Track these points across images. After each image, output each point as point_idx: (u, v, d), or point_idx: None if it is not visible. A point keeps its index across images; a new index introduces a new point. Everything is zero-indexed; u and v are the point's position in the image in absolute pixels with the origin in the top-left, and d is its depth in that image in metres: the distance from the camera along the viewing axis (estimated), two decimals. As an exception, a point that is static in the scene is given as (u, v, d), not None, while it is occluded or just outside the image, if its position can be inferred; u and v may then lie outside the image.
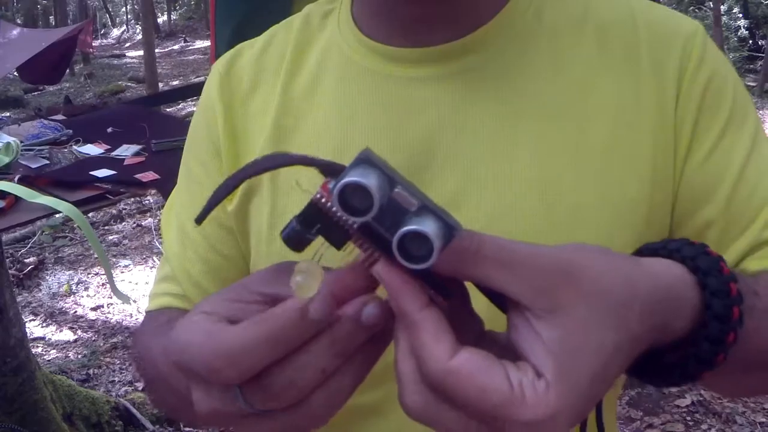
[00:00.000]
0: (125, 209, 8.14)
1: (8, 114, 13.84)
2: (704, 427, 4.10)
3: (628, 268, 0.59)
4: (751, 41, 14.99)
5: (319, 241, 0.58)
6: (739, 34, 15.31)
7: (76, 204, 2.40)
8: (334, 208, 0.54)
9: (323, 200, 0.56)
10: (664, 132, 0.91)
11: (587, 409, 0.56)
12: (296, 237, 0.57)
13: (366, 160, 0.55)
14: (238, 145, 1.00)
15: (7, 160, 2.62)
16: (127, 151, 2.88)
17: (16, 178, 2.52)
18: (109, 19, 38.86)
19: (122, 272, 6.68)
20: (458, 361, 0.52)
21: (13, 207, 2.39)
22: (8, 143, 2.67)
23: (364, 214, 0.53)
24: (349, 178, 0.53)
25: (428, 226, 0.53)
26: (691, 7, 17.06)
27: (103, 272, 6.83)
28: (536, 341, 0.54)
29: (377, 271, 0.55)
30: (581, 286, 0.55)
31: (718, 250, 0.89)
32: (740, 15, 15.83)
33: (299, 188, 0.90)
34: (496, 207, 0.88)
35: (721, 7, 14.69)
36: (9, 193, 2.39)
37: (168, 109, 5.96)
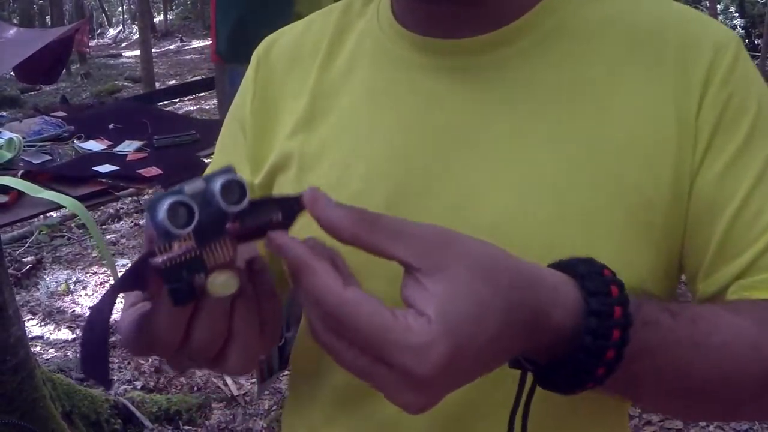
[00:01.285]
0: (123, 208, 8.14)
1: (5, 113, 13.82)
2: (702, 423, 4.10)
3: (500, 250, 0.67)
4: (747, 40, 15.02)
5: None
6: (736, 32, 15.31)
7: (79, 199, 2.39)
8: (174, 250, 0.62)
9: (162, 258, 0.62)
10: (685, 138, 0.89)
11: (471, 367, 0.64)
12: (183, 294, 0.63)
13: (151, 206, 0.63)
14: (266, 124, 1.06)
15: (9, 155, 2.62)
16: (129, 147, 2.89)
17: (19, 174, 2.52)
18: (105, 19, 38.83)
19: (120, 271, 6.67)
20: (350, 293, 0.61)
21: (17, 202, 2.39)
22: (10, 139, 2.67)
23: (190, 221, 0.61)
24: (162, 213, 0.60)
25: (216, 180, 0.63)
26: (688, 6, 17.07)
27: (101, 272, 6.84)
28: (421, 292, 0.62)
29: (272, 237, 0.65)
30: (458, 250, 0.64)
31: (708, 269, 0.91)
32: (736, 14, 15.87)
33: None
34: (512, 205, 0.88)
35: (717, 6, 14.72)
36: (12, 188, 2.39)
37: (165, 109, 5.96)
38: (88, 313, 6.09)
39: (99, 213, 7.91)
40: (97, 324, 0.65)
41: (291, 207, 0.67)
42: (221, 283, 0.63)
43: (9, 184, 2.39)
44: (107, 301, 0.65)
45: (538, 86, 0.91)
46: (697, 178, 0.90)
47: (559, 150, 0.89)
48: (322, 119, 1.01)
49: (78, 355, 5.27)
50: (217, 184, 0.62)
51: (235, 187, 0.63)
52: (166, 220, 0.60)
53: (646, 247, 0.90)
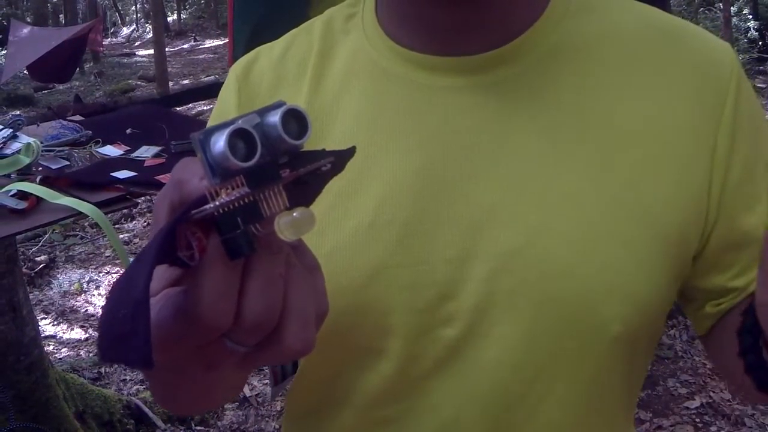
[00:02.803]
0: (138, 204, 8.16)
1: (18, 112, 13.87)
2: (713, 429, 4.10)
3: None
4: (761, 42, 14.95)
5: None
6: (749, 35, 15.27)
7: (97, 205, 2.40)
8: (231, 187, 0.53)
9: (215, 203, 0.53)
10: (701, 150, 0.90)
11: None
12: (243, 244, 0.54)
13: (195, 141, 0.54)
14: None
15: (27, 160, 2.63)
16: (147, 152, 2.88)
17: (37, 179, 2.53)
18: (118, 18, 38.89)
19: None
20: None
21: (35, 208, 2.39)
22: (28, 144, 2.67)
23: (252, 155, 0.53)
24: (221, 142, 0.52)
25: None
26: (701, 8, 17.02)
27: (114, 271, 6.85)
28: None
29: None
30: None
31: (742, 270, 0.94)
32: (750, 16, 15.81)
33: None
34: (535, 224, 0.87)
35: (731, 8, 14.66)
36: (31, 194, 2.40)
37: (177, 108, 5.95)
38: (100, 313, 6.11)
39: (112, 213, 7.92)
40: (130, 295, 0.53)
41: (341, 157, 0.60)
42: (300, 220, 0.54)
43: (28, 190, 2.39)
44: (143, 269, 0.53)
45: (548, 104, 0.90)
46: (724, 194, 0.91)
47: (578, 167, 0.88)
48: (318, 146, 0.91)
49: (90, 353, 5.29)
50: (276, 115, 0.55)
51: (294, 120, 0.56)
52: (228, 152, 0.51)
53: (668, 262, 0.90)
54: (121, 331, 0.52)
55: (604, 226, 0.87)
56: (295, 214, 0.55)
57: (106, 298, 0.56)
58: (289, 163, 0.55)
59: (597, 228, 0.87)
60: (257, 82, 1.01)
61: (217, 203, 0.52)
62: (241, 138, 0.52)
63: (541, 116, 0.89)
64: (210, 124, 1.02)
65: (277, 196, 0.55)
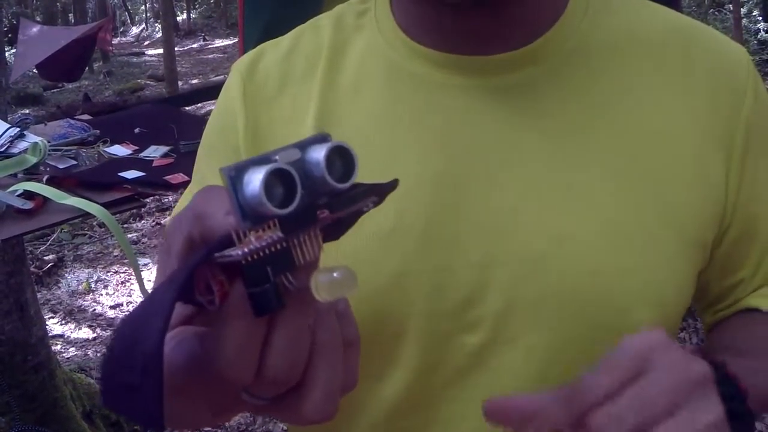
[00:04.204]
0: (146, 205, 8.18)
1: (28, 111, 13.92)
2: None
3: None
4: (771, 44, 14.95)
5: None
6: (759, 37, 15.25)
7: (105, 206, 2.39)
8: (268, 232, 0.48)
9: (244, 250, 0.47)
10: (718, 152, 0.90)
11: None
12: (270, 300, 0.49)
13: (227, 176, 0.49)
14: (262, 151, 0.94)
15: (34, 160, 2.61)
16: (155, 152, 2.87)
17: (44, 179, 2.51)
18: (128, 17, 39.03)
19: (142, 271, 6.69)
20: None
21: (42, 208, 2.38)
22: (35, 143, 2.66)
23: (291, 200, 0.48)
24: (255, 185, 0.47)
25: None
26: (711, 10, 17.01)
27: (123, 270, 6.87)
28: None
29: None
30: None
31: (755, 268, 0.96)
32: (760, 18, 15.78)
33: None
34: (558, 228, 0.86)
35: (741, 10, 14.64)
36: (38, 194, 2.39)
37: (186, 108, 5.96)
38: (108, 312, 6.12)
39: (120, 213, 7.94)
40: (142, 344, 0.47)
41: (382, 193, 0.55)
42: (339, 281, 0.50)
43: (34, 190, 2.38)
44: (157, 316, 0.48)
45: (568, 105, 0.89)
46: (739, 195, 0.91)
47: (599, 170, 0.87)
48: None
49: (97, 353, 5.29)
50: (320, 153, 0.50)
51: (338, 158, 0.51)
52: (263, 198, 0.46)
53: (689, 262, 0.90)
54: (129, 381, 0.48)
55: (628, 229, 0.86)
56: (335, 274, 0.50)
57: (115, 332, 0.50)
58: (327, 203, 0.50)
59: (620, 231, 0.86)
60: (263, 80, 0.97)
61: (246, 250, 0.47)
62: (279, 179, 0.47)
63: (561, 118, 0.88)
64: (211, 125, 1.01)
65: (313, 240, 0.50)
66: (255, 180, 0.47)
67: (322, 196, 0.50)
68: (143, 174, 2.65)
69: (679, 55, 0.92)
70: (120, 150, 2.94)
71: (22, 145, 2.76)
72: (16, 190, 2.42)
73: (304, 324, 0.52)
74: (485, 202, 0.86)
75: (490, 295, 0.86)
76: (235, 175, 0.48)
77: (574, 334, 0.86)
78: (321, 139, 0.52)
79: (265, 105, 0.95)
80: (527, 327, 0.86)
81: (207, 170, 0.99)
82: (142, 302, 0.51)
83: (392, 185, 0.55)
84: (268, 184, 0.46)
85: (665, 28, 0.94)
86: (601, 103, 0.89)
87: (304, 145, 0.51)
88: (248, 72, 0.98)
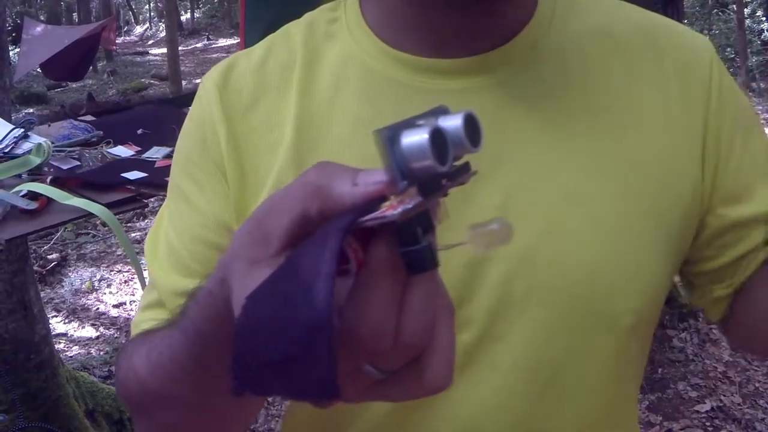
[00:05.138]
0: (148, 206, 8.18)
1: (32, 110, 13.94)
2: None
3: None
4: (774, 44, 14.92)
5: None
6: (762, 37, 15.24)
7: (108, 206, 2.39)
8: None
9: (398, 210, 0.48)
10: (693, 140, 0.92)
11: None
12: (427, 258, 0.50)
13: (383, 137, 0.49)
14: (243, 163, 0.92)
15: (38, 161, 2.63)
16: (157, 153, 2.88)
17: (48, 180, 2.53)
18: (132, 17, 39.01)
19: (145, 270, 6.70)
20: None
21: (46, 208, 2.39)
22: (39, 144, 2.67)
23: (445, 158, 0.49)
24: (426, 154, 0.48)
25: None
26: (715, 10, 16.97)
27: (126, 270, 6.88)
28: None
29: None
30: None
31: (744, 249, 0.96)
32: (764, 18, 15.75)
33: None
34: (546, 223, 0.87)
35: (745, 10, 14.61)
36: (41, 195, 2.40)
37: (184, 110, 6.00)
38: (111, 311, 6.12)
39: (122, 213, 7.94)
40: (303, 313, 0.46)
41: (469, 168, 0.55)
42: (498, 232, 0.52)
43: (38, 191, 2.39)
44: (315, 276, 0.46)
45: (549, 102, 0.90)
46: (718, 174, 0.93)
47: (583, 163, 0.88)
48: (311, 155, 0.90)
49: (101, 352, 5.29)
50: (458, 120, 0.51)
51: (468, 126, 0.51)
52: (431, 153, 0.47)
53: (672, 251, 0.92)
54: (286, 355, 0.47)
55: (613, 221, 0.88)
56: (494, 225, 0.52)
57: (247, 311, 0.49)
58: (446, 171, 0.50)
59: (606, 223, 0.87)
60: (237, 90, 0.95)
61: (400, 210, 0.47)
62: (437, 138, 0.48)
63: (540, 115, 0.89)
64: (186, 139, 0.98)
65: (437, 208, 0.51)
66: (419, 138, 0.48)
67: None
68: (146, 175, 2.67)
69: (648, 51, 0.94)
70: (123, 151, 2.95)
71: (26, 145, 2.77)
72: (21, 191, 2.43)
73: (434, 287, 0.52)
74: (472, 202, 0.87)
75: (482, 293, 0.87)
76: (392, 136, 0.49)
77: (562, 325, 0.88)
78: (442, 110, 0.54)
79: (241, 115, 0.94)
80: (518, 321, 0.87)
81: (186, 185, 0.96)
82: (272, 278, 0.49)
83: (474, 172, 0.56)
84: (435, 142, 0.47)
85: (633, 26, 0.96)
86: (578, 99, 0.90)
87: (434, 114, 0.52)
88: (222, 82, 0.96)
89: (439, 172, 0.48)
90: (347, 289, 0.50)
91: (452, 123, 0.51)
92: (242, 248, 0.56)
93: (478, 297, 0.87)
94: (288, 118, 0.92)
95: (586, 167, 0.88)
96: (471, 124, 0.52)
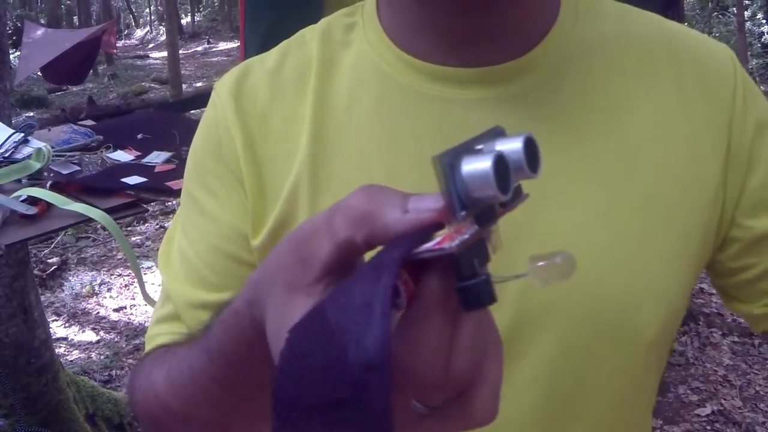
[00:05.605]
0: (148, 210, 8.19)
1: (32, 114, 13.94)
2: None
3: None
4: (774, 47, 14.93)
5: None
6: (762, 40, 15.24)
7: (108, 211, 2.40)
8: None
9: (457, 241, 0.46)
10: (716, 146, 0.90)
11: None
12: (485, 292, 0.48)
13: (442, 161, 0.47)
14: (262, 172, 0.90)
15: (38, 165, 2.62)
16: (157, 158, 2.88)
17: (48, 185, 2.53)
18: (132, 20, 39.04)
19: (145, 274, 6.70)
20: None
21: (46, 213, 2.40)
22: (39, 149, 2.67)
23: (507, 187, 0.47)
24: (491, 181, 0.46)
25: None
26: (715, 13, 16.98)
27: (126, 274, 6.89)
28: None
29: None
30: None
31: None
32: (764, 21, 15.76)
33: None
34: (566, 237, 0.85)
35: (745, 13, 14.62)
36: (41, 200, 2.40)
37: (192, 111, 5.97)
38: (111, 315, 6.12)
39: (123, 218, 7.95)
40: (355, 354, 0.43)
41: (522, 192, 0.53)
42: (560, 266, 0.50)
43: (38, 196, 2.39)
44: (367, 312, 0.44)
45: (567, 113, 0.88)
46: (746, 186, 0.91)
47: (603, 176, 0.86)
48: (329, 164, 0.89)
49: (101, 356, 5.29)
50: (518, 144, 0.49)
51: (527, 150, 0.49)
52: (494, 182, 0.45)
53: (692, 264, 0.90)
54: (333, 398, 0.44)
55: (633, 234, 0.86)
56: (557, 259, 0.50)
57: (291, 349, 0.46)
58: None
59: (626, 236, 0.86)
60: (252, 96, 0.93)
61: (457, 242, 0.45)
62: (500, 166, 0.46)
63: (563, 126, 0.88)
64: (200, 145, 0.96)
65: (492, 235, 0.50)
66: (482, 166, 0.45)
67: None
68: (145, 180, 2.66)
69: (667, 61, 0.92)
70: (123, 156, 2.94)
71: (26, 150, 2.77)
72: (20, 196, 2.44)
73: (486, 320, 0.51)
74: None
75: (502, 309, 0.82)
76: (453, 162, 0.46)
77: (582, 341, 0.86)
78: (498, 132, 0.52)
79: (257, 121, 0.92)
80: (537, 337, 0.86)
81: (200, 193, 0.95)
82: (317, 311, 0.47)
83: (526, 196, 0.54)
84: (499, 171, 0.45)
85: (652, 35, 0.94)
86: (598, 110, 0.89)
87: (485, 139, 0.50)
88: (237, 89, 0.94)
89: (502, 200, 0.47)
90: (396, 322, 0.48)
91: (512, 147, 0.49)
92: (278, 270, 0.54)
93: (498, 312, 0.83)
94: (304, 127, 0.90)
95: (606, 181, 0.86)
96: (530, 147, 0.50)
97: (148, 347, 0.94)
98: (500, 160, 0.46)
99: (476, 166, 0.45)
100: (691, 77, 0.91)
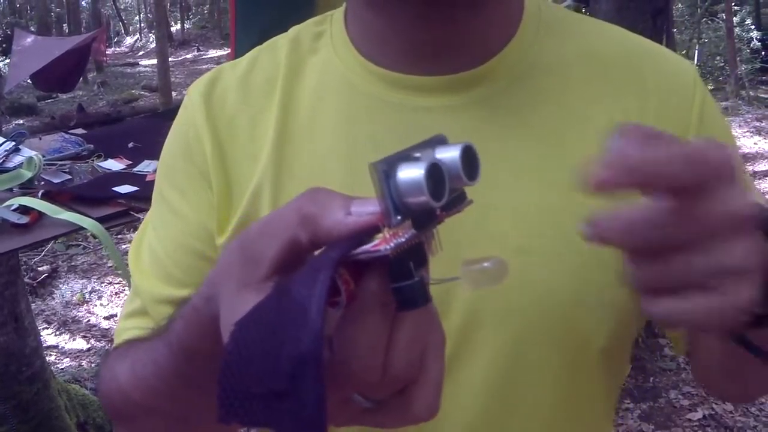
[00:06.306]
0: (139, 219, 8.17)
1: (22, 121, 13.92)
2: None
3: None
4: (763, 53, 15.00)
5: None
6: (751, 45, 15.30)
7: (99, 220, 2.40)
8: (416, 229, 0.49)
9: (391, 244, 0.48)
10: None
11: None
12: (418, 294, 0.50)
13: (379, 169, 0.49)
14: (229, 173, 0.93)
15: (29, 174, 2.63)
16: (148, 167, 2.88)
17: (39, 194, 2.53)
18: (122, 28, 38.99)
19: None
20: None
21: (37, 222, 2.40)
22: (30, 158, 2.68)
23: (441, 194, 0.49)
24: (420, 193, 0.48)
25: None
26: (704, 19, 17.03)
27: (117, 281, 6.87)
28: None
29: None
30: None
31: None
32: (753, 27, 15.84)
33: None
34: (516, 242, 0.86)
35: (734, 19, 14.69)
36: (33, 209, 2.41)
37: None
38: (102, 323, 6.11)
39: (113, 227, 7.93)
40: (289, 344, 0.46)
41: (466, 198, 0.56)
42: (492, 271, 0.52)
43: (29, 205, 2.40)
44: (306, 308, 0.46)
45: (525, 122, 0.90)
46: None
47: (556, 183, 0.87)
48: (291, 167, 0.91)
49: (92, 364, 5.28)
50: (456, 152, 0.51)
51: (466, 158, 0.51)
52: (426, 188, 0.47)
53: None
54: (272, 388, 0.47)
55: (583, 242, 0.86)
56: (486, 264, 0.53)
57: (235, 341, 0.49)
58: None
59: (577, 244, 0.84)
60: (221, 100, 0.96)
61: (393, 244, 0.48)
62: (431, 173, 0.48)
63: (518, 134, 0.89)
64: (171, 147, 0.99)
65: (432, 239, 0.52)
66: (415, 173, 0.48)
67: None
68: (136, 189, 2.68)
69: (630, 79, 0.94)
70: (114, 164, 2.95)
71: (17, 159, 2.78)
72: (12, 205, 2.44)
73: (426, 319, 0.53)
74: (446, 220, 0.87)
75: (453, 310, 0.86)
76: (388, 168, 0.48)
77: (532, 344, 0.88)
78: (439, 140, 0.54)
79: (225, 124, 0.94)
80: (487, 339, 0.87)
81: (170, 192, 0.97)
82: (261, 306, 0.49)
83: (470, 202, 0.57)
84: (430, 177, 0.48)
85: (618, 51, 0.96)
86: (556, 118, 0.90)
87: (431, 146, 0.53)
88: (207, 92, 0.96)
89: (435, 206, 0.48)
90: (336, 320, 0.50)
91: (449, 155, 0.51)
92: (231, 268, 0.57)
93: (450, 314, 0.87)
94: (269, 131, 0.92)
95: (560, 187, 0.87)
96: (469, 155, 0.52)
97: (116, 341, 0.96)
98: (434, 168, 0.48)
99: (410, 173, 0.48)
100: (654, 96, 0.93)
